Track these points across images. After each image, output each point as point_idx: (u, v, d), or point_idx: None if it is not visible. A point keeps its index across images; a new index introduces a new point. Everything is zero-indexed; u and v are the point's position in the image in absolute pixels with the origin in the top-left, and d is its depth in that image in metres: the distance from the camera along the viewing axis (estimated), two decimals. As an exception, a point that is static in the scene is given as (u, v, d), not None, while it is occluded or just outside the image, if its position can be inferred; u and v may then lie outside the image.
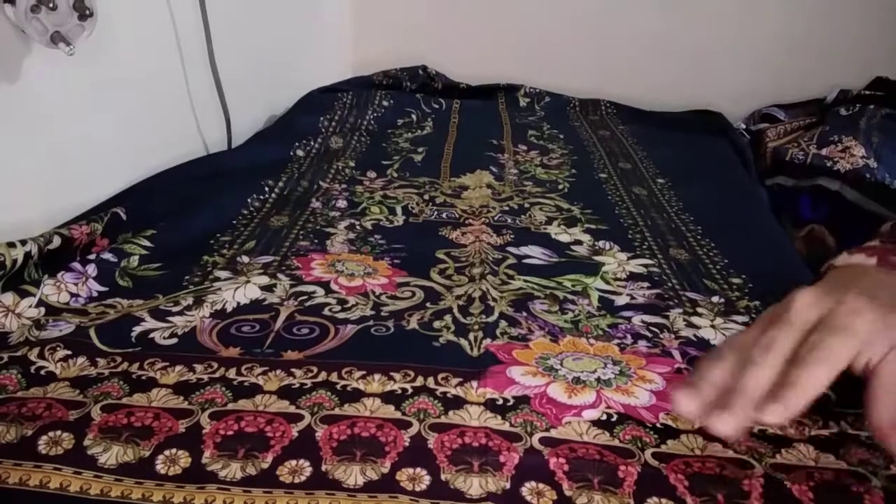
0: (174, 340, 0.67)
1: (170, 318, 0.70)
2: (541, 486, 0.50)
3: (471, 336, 0.70)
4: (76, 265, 0.77)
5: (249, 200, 1.03)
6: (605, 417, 0.58)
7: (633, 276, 0.86)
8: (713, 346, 0.71)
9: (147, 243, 0.84)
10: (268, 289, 0.78)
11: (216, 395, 0.58)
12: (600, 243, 0.95)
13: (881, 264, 0.56)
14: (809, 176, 1.40)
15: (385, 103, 1.55)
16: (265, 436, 0.53)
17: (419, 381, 0.61)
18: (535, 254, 0.91)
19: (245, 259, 0.86)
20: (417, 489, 0.49)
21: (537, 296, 0.80)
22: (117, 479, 0.49)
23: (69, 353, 0.63)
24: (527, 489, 0.50)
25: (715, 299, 0.81)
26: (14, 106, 0.81)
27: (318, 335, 0.69)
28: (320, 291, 0.78)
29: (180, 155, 1.13)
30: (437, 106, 1.61)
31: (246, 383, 0.60)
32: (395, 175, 1.20)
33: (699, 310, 0.78)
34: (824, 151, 1.40)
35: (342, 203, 1.06)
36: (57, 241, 0.78)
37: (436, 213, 1.05)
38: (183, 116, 1.17)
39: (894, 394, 0.43)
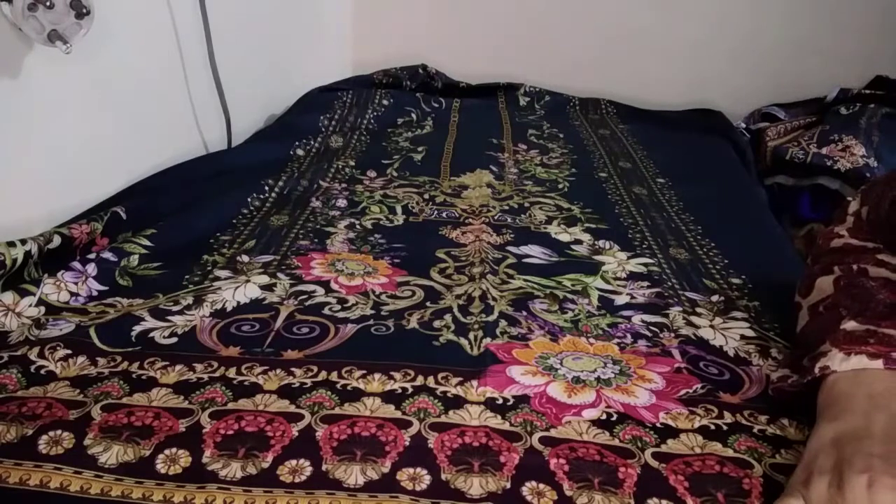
0: (174, 340, 0.67)
1: (170, 318, 0.70)
2: (541, 486, 0.50)
3: (471, 335, 0.70)
4: (76, 264, 0.77)
5: (249, 200, 1.03)
6: (604, 417, 0.58)
7: (632, 276, 0.86)
8: (712, 346, 0.71)
9: (147, 242, 0.84)
10: (268, 288, 0.78)
11: (216, 394, 0.58)
12: (600, 242, 0.95)
13: (889, 366, 0.53)
14: (809, 175, 1.40)
15: (385, 102, 1.55)
16: (265, 435, 0.53)
17: (419, 381, 0.61)
18: (535, 253, 0.91)
19: (245, 258, 0.86)
20: (418, 489, 0.49)
21: (537, 295, 0.80)
22: (117, 478, 0.49)
23: (69, 352, 0.63)
24: (527, 489, 0.50)
25: (714, 298, 0.81)
26: (13, 105, 0.81)
27: (319, 334, 0.69)
28: (320, 291, 0.78)
29: (180, 154, 1.13)
30: (436, 105, 1.62)
31: (246, 383, 0.60)
32: (395, 174, 1.20)
33: (699, 309, 0.78)
34: (824, 150, 1.40)
35: (342, 202, 1.06)
36: (57, 241, 0.78)
37: (436, 212, 1.05)
38: (183, 116, 1.17)
39: None
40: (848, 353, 0.55)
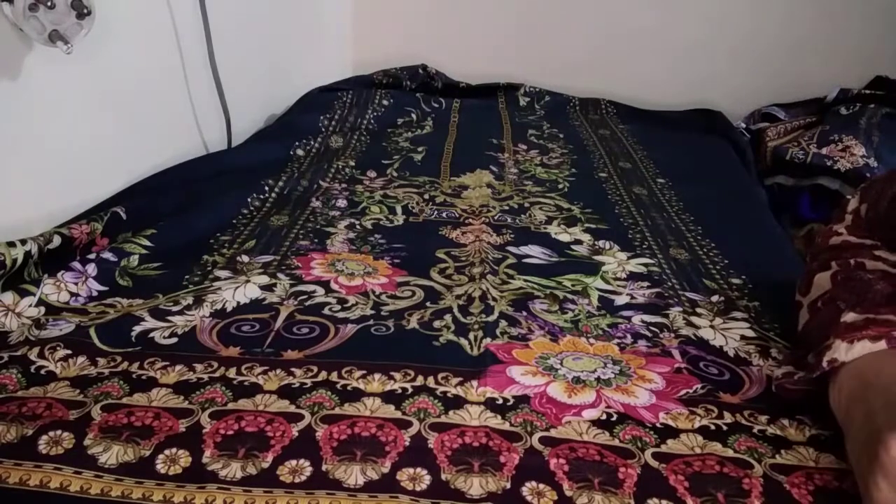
0: (174, 340, 0.67)
1: (170, 318, 0.70)
2: (541, 486, 0.50)
3: (471, 335, 0.70)
4: (76, 264, 0.77)
5: (249, 200, 1.03)
6: (604, 417, 0.58)
7: (632, 276, 0.86)
8: (712, 346, 0.71)
9: (147, 242, 0.84)
10: (268, 288, 0.78)
11: (216, 394, 0.58)
12: (600, 243, 0.95)
13: (892, 344, 0.53)
14: (809, 175, 1.40)
15: (385, 102, 1.55)
16: (265, 435, 0.53)
17: (419, 381, 0.61)
18: (535, 253, 0.91)
19: (245, 258, 0.86)
20: (418, 489, 0.49)
21: (537, 295, 0.80)
22: (118, 478, 0.49)
23: (69, 352, 0.63)
24: (527, 489, 0.50)
25: (714, 299, 0.81)
26: (14, 105, 0.81)
27: (318, 335, 0.69)
28: (320, 291, 0.78)
29: (180, 154, 1.13)
30: (437, 105, 1.62)
31: (246, 383, 0.60)
32: (395, 174, 1.20)
33: (699, 309, 0.78)
34: (824, 150, 1.40)
35: (342, 202, 1.06)
36: (57, 241, 0.78)
37: (436, 212, 1.05)
38: (183, 116, 1.17)
39: None
40: (851, 341, 0.55)
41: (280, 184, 1.10)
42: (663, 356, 0.68)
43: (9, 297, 0.69)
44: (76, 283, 0.75)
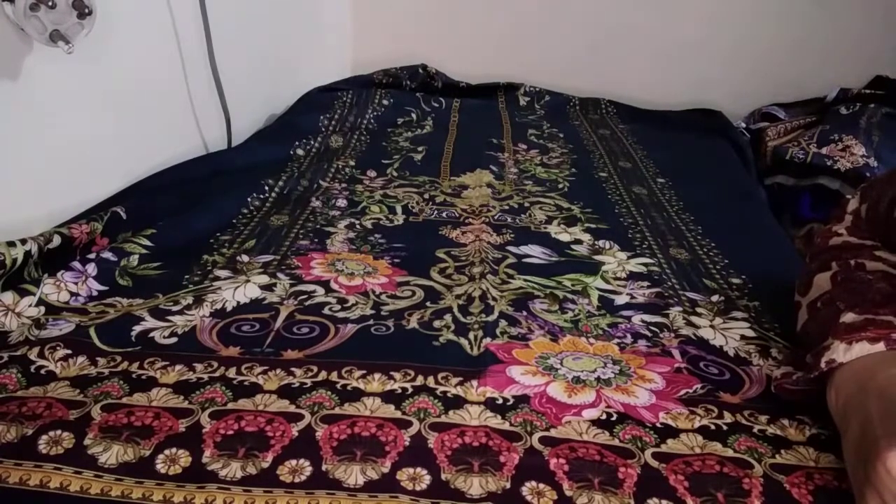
0: (174, 340, 0.67)
1: (170, 318, 0.70)
2: (541, 486, 0.50)
3: (471, 335, 0.70)
4: (76, 264, 0.77)
5: (249, 199, 1.03)
6: (604, 417, 0.58)
7: (632, 276, 0.86)
8: (712, 346, 0.71)
9: (147, 242, 0.84)
10: (268, 288, 0.78)
11: (216, 394, 0.58)
12: (600, 242, 0.95)
13: (891, 346, 0.53)
14: (810, 175, 1.40)
15: (385, 102, 1.55)
16: (265, 435, 0.53)
17: (419, 381, 0.61)
18: (535, 253, 0.91)
19: (245, 258, 0.86)
20: (418, 489, 0.49)
21: (537, 295, 0.80)
22: (118, 478, 0.49)
23: (69, 352, 0.63)
24: (527, 489, 0.50)
25: (714, 298, 0.81)
26: (14, 105, 0.81)
27: (318, 334, 0.69)
28: (320, 290, 0.78)
29: (180, 154, 1.13)
30: (437, 105, 1.61)
31: (246, 382, 0.60)
32: (396, 174, 1.20)
33: (699, 309, 0.78)
34: (824, 150, 1.40)
35: (342, 202, 1.06)
36: (57, 240, 0.78)
37: (436, 212, 1.05)
38: (183, 116, 1.17)
39: None
40: (849, 342, 0.55)
41: (280, 183, 1.10)
42: (663, 356, 0.68)
43: (9, 297, 0.69)
44: (76, 283, 0.75)
